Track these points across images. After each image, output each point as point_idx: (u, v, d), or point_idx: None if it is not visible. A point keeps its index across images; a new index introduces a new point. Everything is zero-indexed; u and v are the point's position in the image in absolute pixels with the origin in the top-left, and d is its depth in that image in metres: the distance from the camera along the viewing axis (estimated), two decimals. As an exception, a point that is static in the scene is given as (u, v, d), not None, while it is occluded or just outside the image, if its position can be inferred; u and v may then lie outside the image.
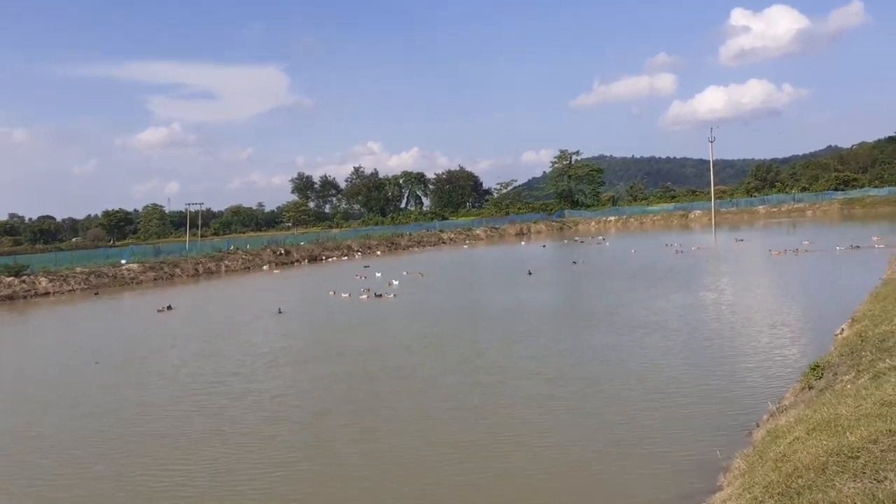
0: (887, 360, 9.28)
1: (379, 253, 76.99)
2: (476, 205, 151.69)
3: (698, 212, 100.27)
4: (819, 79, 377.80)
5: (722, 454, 9.76)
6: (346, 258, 72.42)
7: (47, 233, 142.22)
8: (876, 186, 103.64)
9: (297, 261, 68.85)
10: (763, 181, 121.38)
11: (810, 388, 11.13)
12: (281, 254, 68.61)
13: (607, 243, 65.15)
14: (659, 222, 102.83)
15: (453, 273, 48.13)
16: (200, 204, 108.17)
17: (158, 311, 33.68)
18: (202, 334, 25.95)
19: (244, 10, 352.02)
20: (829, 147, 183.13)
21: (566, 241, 74.48)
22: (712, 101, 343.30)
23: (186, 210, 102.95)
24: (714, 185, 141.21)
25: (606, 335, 20.51)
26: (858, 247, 40.81)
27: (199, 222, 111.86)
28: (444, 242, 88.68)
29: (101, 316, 36.06)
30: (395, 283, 39.30)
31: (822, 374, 11.31)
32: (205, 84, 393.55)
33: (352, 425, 13.30)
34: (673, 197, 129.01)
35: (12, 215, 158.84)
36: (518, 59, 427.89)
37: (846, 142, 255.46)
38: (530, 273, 40.07)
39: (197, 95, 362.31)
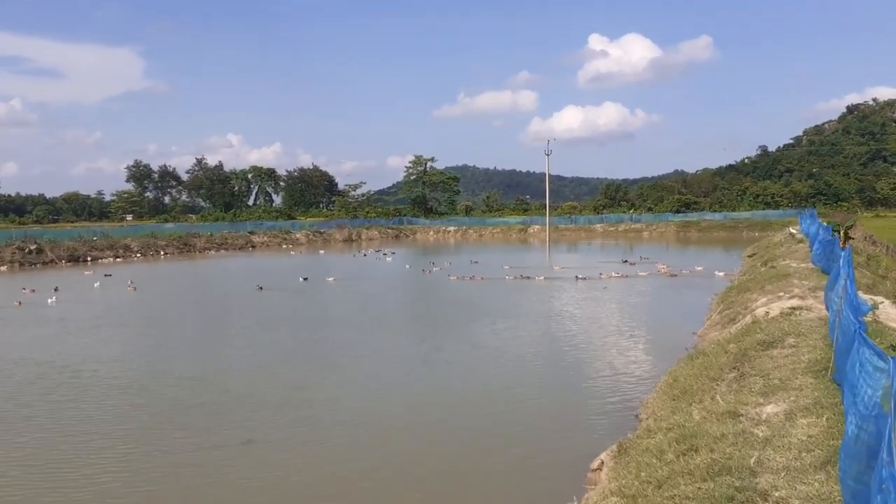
0: None
1: (164, 256, 68.04)
2: (330, 206, 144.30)
3: (537, 227, 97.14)
4: (669, 106, 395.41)
5: None
6: (120, 259, 63.18)
7: None
8: (714, 211, 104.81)
9: (53, 261, 59.09)
10: (612, 199, 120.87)
11: None
12: (29, 252, 58.60)
13: (389, 259, 59.15)
14: (498, 235, 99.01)
15: (182, 287, 40.83)
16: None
17: None
18: None
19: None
20: (676, 171, 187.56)
21: (354, 255, 65.44)
22: (570, 120, 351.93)
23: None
24: (565, 201, 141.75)
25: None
26: (529, 277, 38.96)
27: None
28: (253, 246, 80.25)
29: None
30: (52, 300, 31.61)
31: None
32: (50, 61, 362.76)
33: None
34: (525, 210, 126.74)
35: None
36: (387, 65, 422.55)
37: (691, 167, 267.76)
38: (261, 288, 36.36)
39: (41, 73, 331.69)
